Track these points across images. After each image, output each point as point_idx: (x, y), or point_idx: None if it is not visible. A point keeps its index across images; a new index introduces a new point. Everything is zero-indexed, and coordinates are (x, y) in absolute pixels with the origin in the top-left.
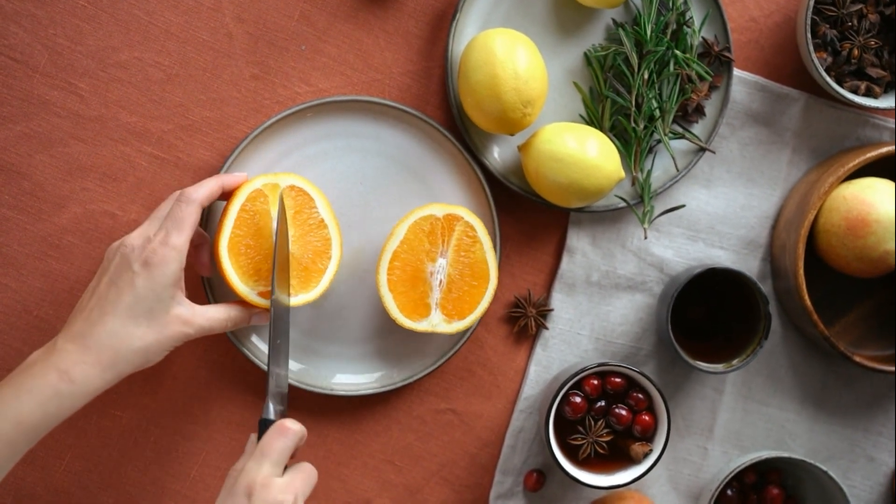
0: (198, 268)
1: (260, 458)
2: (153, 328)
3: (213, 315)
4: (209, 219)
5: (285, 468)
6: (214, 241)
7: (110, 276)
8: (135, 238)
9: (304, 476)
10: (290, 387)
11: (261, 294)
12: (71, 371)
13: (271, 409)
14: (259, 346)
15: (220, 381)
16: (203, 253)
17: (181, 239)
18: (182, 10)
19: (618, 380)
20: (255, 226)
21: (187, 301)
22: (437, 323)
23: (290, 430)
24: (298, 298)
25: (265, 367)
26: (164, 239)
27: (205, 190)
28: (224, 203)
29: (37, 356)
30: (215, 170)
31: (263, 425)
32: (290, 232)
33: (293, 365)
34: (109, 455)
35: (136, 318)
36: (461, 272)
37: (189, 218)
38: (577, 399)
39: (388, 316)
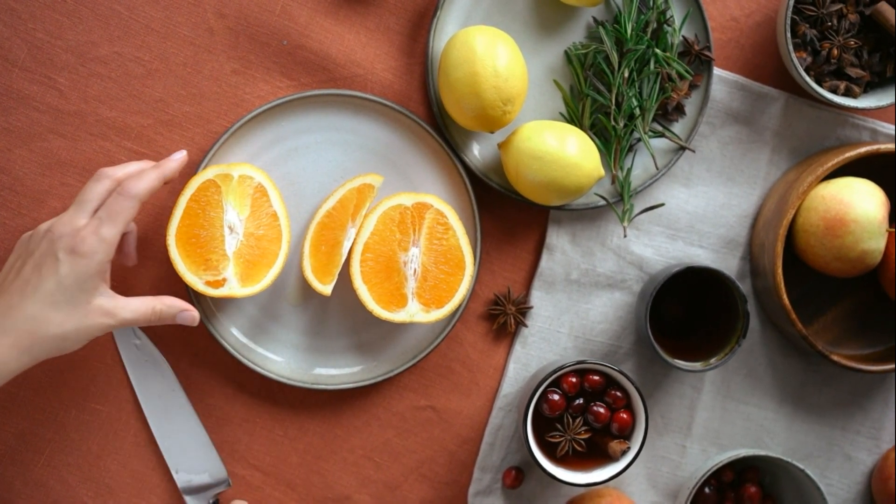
0: (122, 258)
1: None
2: (73, 316)
3: (137, 307)
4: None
5: None
6: (164, 232)
7: (35, 260)
8: (63, 225)
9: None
10: (271, 381)
11: (208, 283)
12: None
13: None
14: (240, 339)
15: (199, 374)
16: (128, 241)
17: (112, 232)
18: (163, 6)
19: (596, 377)
20: (206, 216)
21: (111, 292)
22: (414, 312)
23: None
24: (244, 290)
25: (245, 361)
26: (96, 229)
27: (145, 185)
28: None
29: None
30: (195, 165)
31: None
32: (244, 223)
33: (274, 358)
34: (89, 449)
35: (57, 305)
36: (435, 260)
37: (126, 213)
38: (556, 397)
39: (365, 308)
